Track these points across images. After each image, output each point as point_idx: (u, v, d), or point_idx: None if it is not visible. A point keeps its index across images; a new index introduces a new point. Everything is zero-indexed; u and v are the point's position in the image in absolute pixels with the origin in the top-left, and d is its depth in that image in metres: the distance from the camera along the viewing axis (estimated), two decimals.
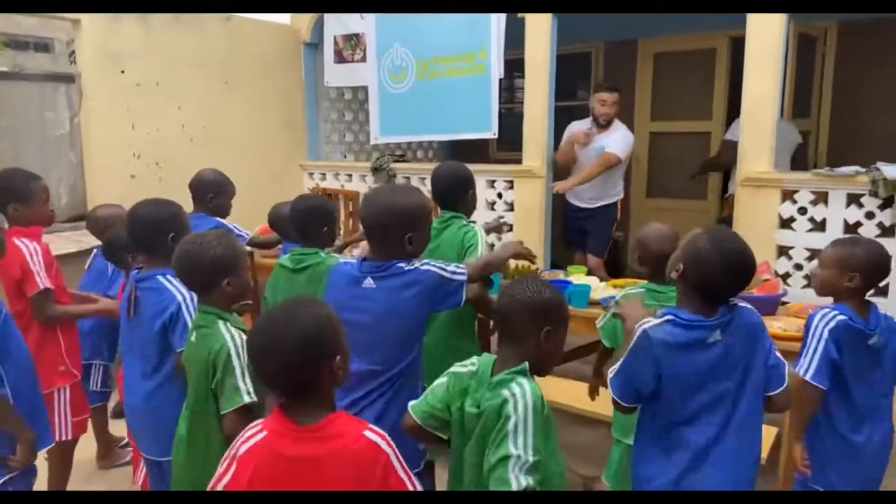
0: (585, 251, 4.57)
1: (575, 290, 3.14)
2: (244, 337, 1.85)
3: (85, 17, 4.31)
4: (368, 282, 1.87)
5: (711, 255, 1.65)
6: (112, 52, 4.47)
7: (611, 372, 1.77)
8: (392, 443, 1.35)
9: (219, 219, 3.26)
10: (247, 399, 1.79)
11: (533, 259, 2.42)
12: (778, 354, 1.77)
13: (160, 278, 2.11)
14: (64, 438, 2.62)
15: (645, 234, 2.32)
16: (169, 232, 2.17)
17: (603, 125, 4.41)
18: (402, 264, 1.87)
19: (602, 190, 4.46)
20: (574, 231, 4.66)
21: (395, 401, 1.87)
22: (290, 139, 5.71)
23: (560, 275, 3.54)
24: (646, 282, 2.32)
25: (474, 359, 1.65)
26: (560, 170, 4.68)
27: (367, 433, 1.34)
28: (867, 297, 2.07)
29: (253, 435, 1.38)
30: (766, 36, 3.64)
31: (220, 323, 1.88)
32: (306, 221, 2.52)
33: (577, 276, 3.46)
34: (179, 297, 2.07)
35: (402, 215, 1.88)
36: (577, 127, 4.53)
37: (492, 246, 4.21)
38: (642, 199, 6.26)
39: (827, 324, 1.98)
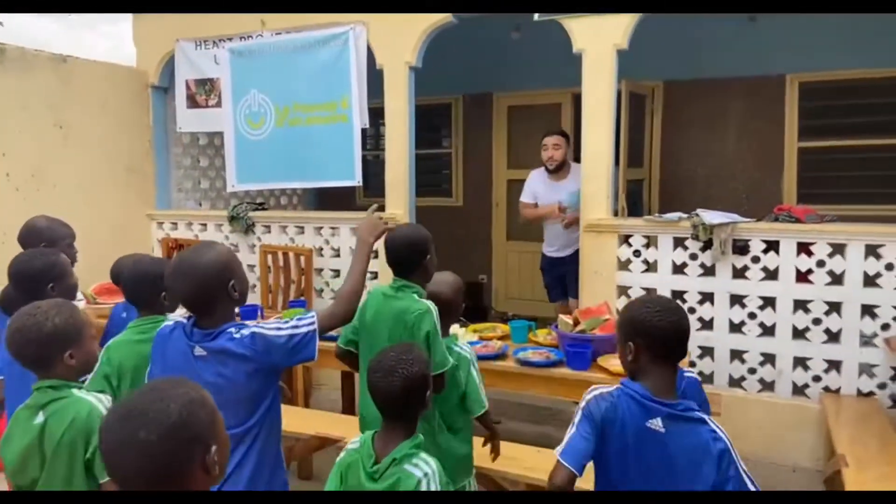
0: (567, 298, 4.44)
1: None
2: (109, 398, 1.82)
3: None
4: (199, 350, 1.75)
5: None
6: None
7: None
8: None
9: None
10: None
11: (391, 228, 2.24)
12: None
13: None
14: None
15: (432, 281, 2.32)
16: (48, 282, 2.23)
17: (552, 170, 4.38)
18: (231, 329, 1.75)
19: (571, 237, 4.35)
20: (555, 279, 4.56)
21: (264, 458, 1.79)
22: (136, 187, 5.35)
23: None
24: None
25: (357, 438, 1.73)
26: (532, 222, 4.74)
27: None
28: None
29: None
30: (599, 94, 3.98)
31: (75, 390, 1.78)
32: (139, 289, 2.29)
33: None
34: None
35: (216, 271, 1.76)
36: (536, 177, 4.48)
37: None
38: (503, 241, 6.54)
39: None
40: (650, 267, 3.97)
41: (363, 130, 4.77)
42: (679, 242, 3.86)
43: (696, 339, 3.76)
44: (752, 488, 1.61)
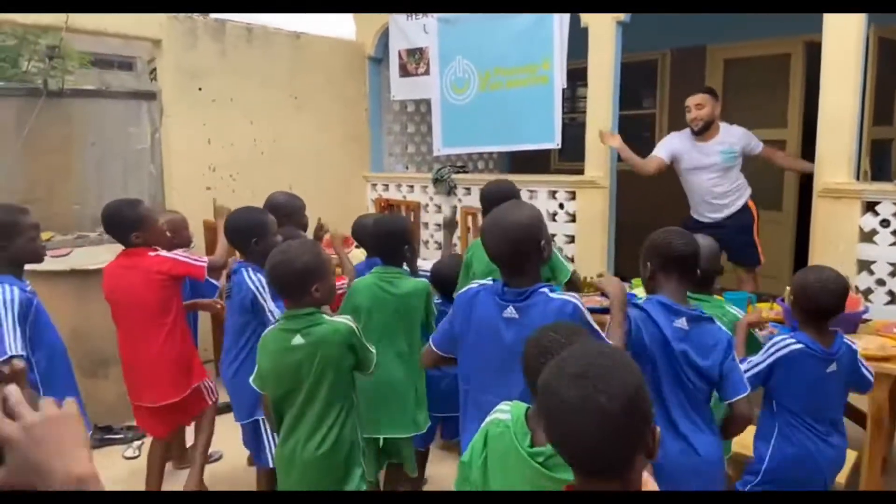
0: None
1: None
2: (352, 319, 2.16)
3: (165, 37, 4.55)
4: (510, 311, 1.76)
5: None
6: (190, 70, 4.71)
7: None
8: None
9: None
10: (374, 358, 2.19)
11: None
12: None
13: (242, 270, 2.59)
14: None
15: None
16: (252, 237, 2.59)
17: (697, 131, 4.02)
18: (545, 289, 1.76)
19: (716, 203, 4.04)
20: None
21: None
22: (354, 151, 5.84)
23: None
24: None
25: (506, 405, 1.50)
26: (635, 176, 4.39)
27: None
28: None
29: None
30: (844, 41, 3.48)
31: (323, 316, 2.09)
32: (386, 242, 2.60)
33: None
34: (253, 287, 2.53)
35: (530, 229, 1.79)
36: (676, 138, 4.17)
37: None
38: None
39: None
40: None
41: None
42: None
43: None
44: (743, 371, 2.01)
